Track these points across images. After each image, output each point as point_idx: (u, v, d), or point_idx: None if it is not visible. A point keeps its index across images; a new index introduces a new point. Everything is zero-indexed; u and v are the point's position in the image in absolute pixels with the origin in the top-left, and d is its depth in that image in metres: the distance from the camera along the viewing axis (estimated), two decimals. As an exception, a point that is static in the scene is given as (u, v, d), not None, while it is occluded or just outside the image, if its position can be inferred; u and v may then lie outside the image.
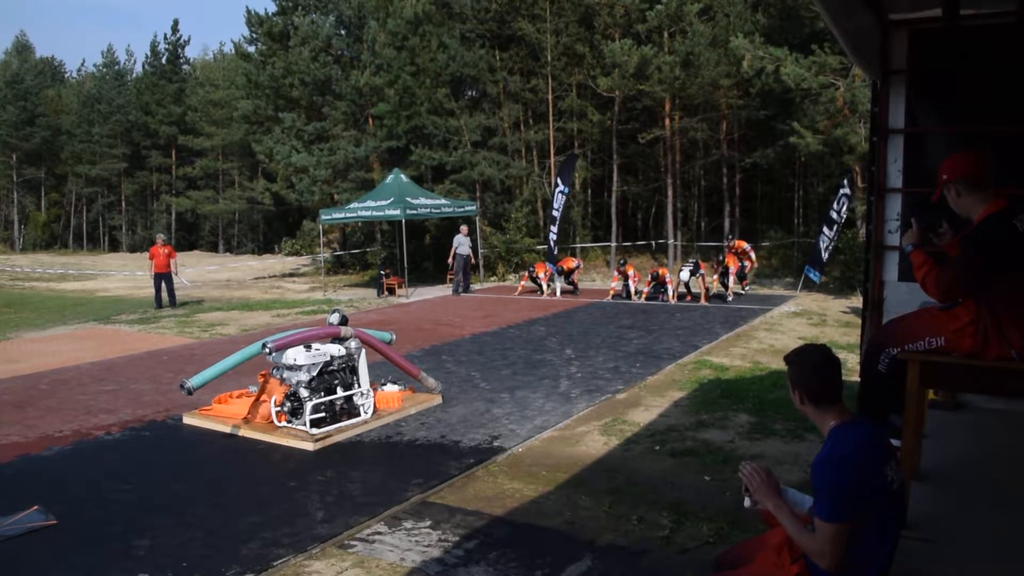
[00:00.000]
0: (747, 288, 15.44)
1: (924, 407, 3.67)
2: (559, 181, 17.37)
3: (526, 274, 17.14)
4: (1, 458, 5.75)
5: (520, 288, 16.96)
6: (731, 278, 14.03)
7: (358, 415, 6.42)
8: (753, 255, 15.55)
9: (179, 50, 43.58)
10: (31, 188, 47.99)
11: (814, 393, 2.35)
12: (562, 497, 4.76)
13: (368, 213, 17.67)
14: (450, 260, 17.67)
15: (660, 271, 15.21)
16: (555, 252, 17.08)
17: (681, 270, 14.54)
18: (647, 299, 14.90)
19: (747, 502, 2.42)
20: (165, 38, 43.08)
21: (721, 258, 14.57)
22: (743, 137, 22.65)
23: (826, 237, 15.03)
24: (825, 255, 15.26)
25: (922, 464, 3.65)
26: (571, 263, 16.73)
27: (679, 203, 23.59)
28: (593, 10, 21.85)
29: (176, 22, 48.63)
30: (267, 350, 5.96)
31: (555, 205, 17.35)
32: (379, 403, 6.75)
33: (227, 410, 6.61)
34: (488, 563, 3.87)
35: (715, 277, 14.26)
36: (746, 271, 15.04)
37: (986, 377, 3.06)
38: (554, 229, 17.23)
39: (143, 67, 45.05)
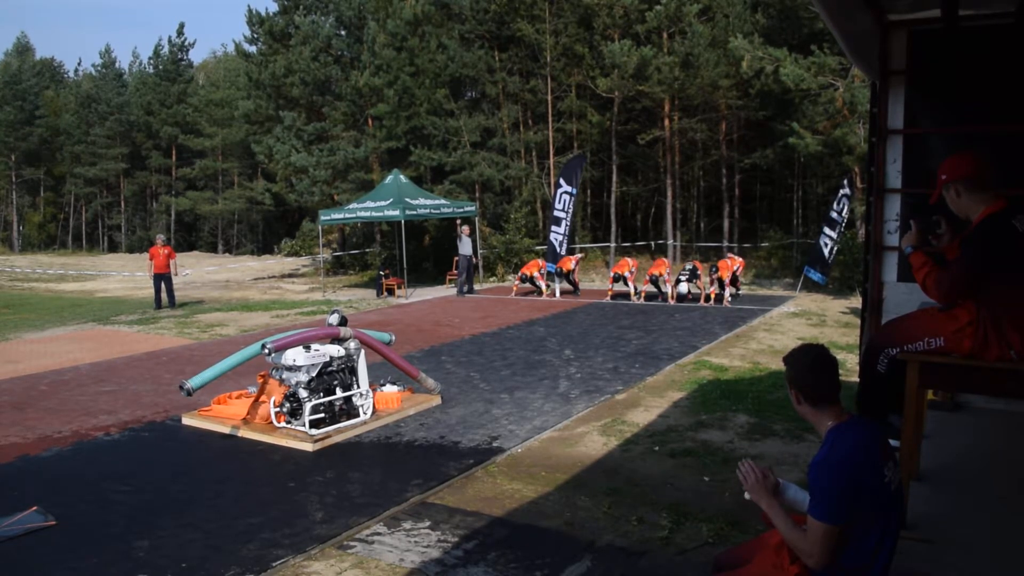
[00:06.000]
0: (739, 290, 15.46)
1: (923, 408, 3.67)
2: (563, 182, 17.07)
3: (519, 276, 17.11)
4: (1, 459, 5.75)
5: (515, 288, 16.94)
6: (727, 289, 14.19)
7: (357, 416, 6.42)
8: (737, 264, 15.54)
9: (183, 53, 43.54)
10: (29, 188, 47.98)
11: (811, 393, 2.36)
12: (561, 498, 4.76)
13: (368, 214, 17.65)
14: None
15: (657, 271, 15.19)
16: (561, 254, 16.90)
17: (679, 282, 14.54)
18: (646, 299, 14.92)
19: (748, 495, 2.47)
20: (169, 40, 43.10)
21: (715, 268, 14.63)
22: (742, 138, 22.67)
23: (828, 238, 15.02)
24: (829, 256, 15.25)
25: (921, 464, 3.65)
26: (569, 264, 16.55)
27: (678, 204, 23.61)
28: (592, 11, 21.85)
29: (182, 25, 48.68)
30: (266, 351, 5.96)
31: (558, 206, 16.93)
32: (378, 404, 6.75)
33: (226, 411, 6.61)
34: (487, 564, 3.87)
35: (712, 288, 14.36)
36: (737, 273, 15.11)
37: (985, 378, 3.06)
38: (558, 230, 16.86)
39: (145, 68, 45.08)
